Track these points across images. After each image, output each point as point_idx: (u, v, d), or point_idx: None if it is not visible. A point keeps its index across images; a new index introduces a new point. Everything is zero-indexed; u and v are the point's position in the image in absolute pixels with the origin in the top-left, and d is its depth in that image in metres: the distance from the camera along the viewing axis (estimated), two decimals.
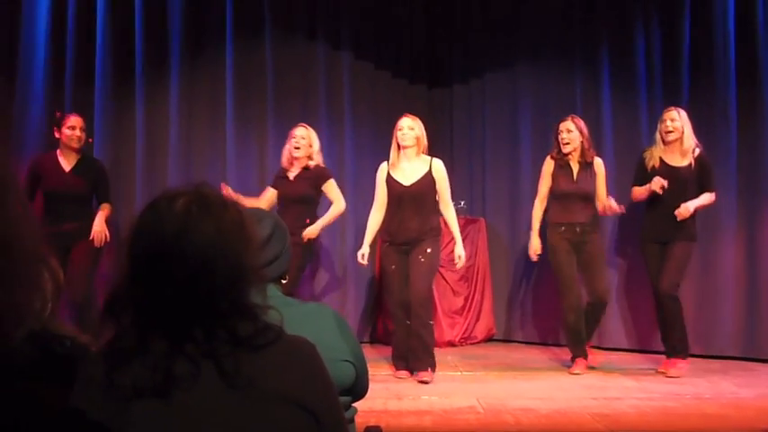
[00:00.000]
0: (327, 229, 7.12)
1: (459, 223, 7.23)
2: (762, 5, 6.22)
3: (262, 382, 1.31)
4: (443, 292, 7.14)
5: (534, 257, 5.89)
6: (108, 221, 5.56)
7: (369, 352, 6.01)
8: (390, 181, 5.49)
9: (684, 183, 5.54)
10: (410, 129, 5.46)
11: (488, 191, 7.61)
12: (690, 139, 5.56)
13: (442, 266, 7.07)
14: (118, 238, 5.61)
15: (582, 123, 5.76)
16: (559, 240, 5.65)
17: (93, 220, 5.50)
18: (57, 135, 5.60)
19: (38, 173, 5.51)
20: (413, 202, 5.40)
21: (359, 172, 7.04)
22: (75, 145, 5.54)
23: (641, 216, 5.82)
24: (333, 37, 7.35)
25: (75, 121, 5.58)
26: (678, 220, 5.47)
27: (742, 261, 6.25)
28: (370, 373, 2.13)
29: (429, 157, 5.52)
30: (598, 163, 5.77)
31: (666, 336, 5.64)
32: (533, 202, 5.95)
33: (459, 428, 4.20)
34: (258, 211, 2.23)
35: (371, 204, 5.70)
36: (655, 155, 5.61)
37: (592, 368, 5.72)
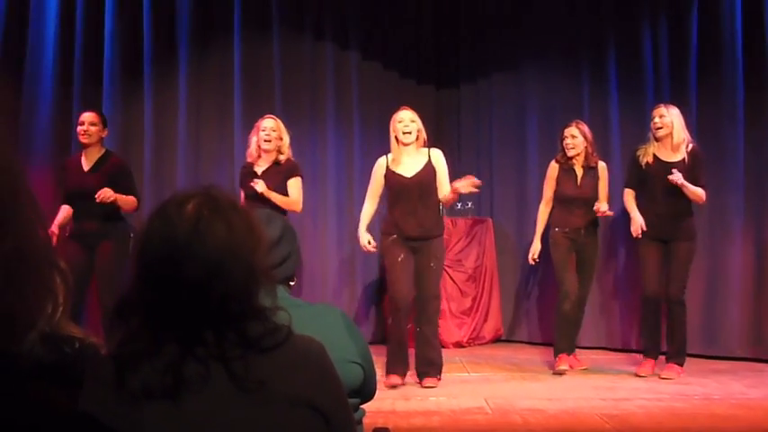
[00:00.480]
0: (336, 230, 7.16)
1: (466, 224, 7.30)
2: None
3: (271, 384, 1.31)
4: (451, 293, 7.15)
5: (532, 261, 5.97)
6: (126, 210, 5.43)
7: (377, 353, 6.00)
8: (391, 175, 5.32)
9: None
10: (412, 121, 5.29)
11: (496, 191, 7.61)
12: (680, 134, 5.51)
13: (449, 266, 7.10)
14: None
15: (586, 129, 5.80)
16: (562, 238, 5.77)
17: (117, 219, 5.45)
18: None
19: (64, 174, 5.55)
20: (417, 194, 5.25)
21: (367, 172, 7.02)
22: (85, 141, 5.46)
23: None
24: (341, 37, 7.37)
25: (84, 116, 5.51)
26: (671, 180, 5.38)
27: (750, 262, 6.24)
28: (378, 374, 2.13)
29: (426, 149, 5.38)
30: (602, 167, 5.84)
31: (671, 341, 5.54)
32: (540, 203, 5.99)
33: (468, 429, 4.20)
34: (267, 212, 2.23)
35: None
36: (648, 151, 5.59)
37: (601, 372, 5.71)
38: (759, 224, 6.23)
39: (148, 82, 6.80)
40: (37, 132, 6.45)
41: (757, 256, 6.22)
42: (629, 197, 5.67)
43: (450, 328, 7.08)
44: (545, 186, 5.95)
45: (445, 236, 7.07)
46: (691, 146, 5.56)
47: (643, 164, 5.58)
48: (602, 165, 5.85)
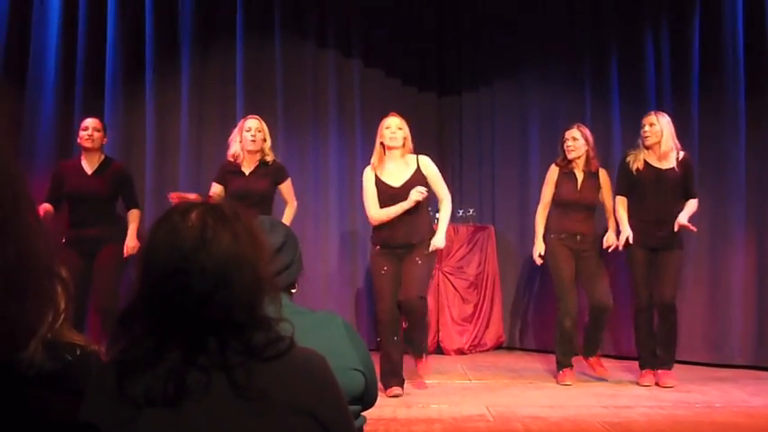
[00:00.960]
0: (338, 236, 7.17)
1: (468, 231, 7.30)
2: None
3: (272, 393, 1.31)
4: (452, 300, 7.15)
5: (538, 261, 5.78)
6: (139, 232, 5.48)
7: (378, 360, 6.00)
8: (379, 184, 5.23)
9: (670, 186, 5.47)
10: (399, 129, 5.22)
11: (497, 198, 7.61)
12: (668, 142, 5.47)
13: (451, 274, 7.11)
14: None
15: (588, 132, 5.74)
16: (559, 246, 5.63)
17: (116, 223, 5.49)
18: (78, 140, 5.59)
19: (61, 177, 5.51)
20: None
21: None
22: (88, 145, 5.48)
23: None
24: (343, 43, 7.39)
25: (87, 122, 5.56)
26: (675, 230, 5.40)
27: (752, 269, 6.23)
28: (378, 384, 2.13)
29: (414, 156, 5.30)
30: (603, 174, 5.75)
31: (664, 347, 5.49)
32: (538, 206, 5.88)
33: None
34: (270, 219, 2.23)
35: None
36: (639, 157, 5.53)
37: (602, 380, 5.64)
38: (761, 231, 6.23)
39: (150, 86, 6.81)
40: (39, 137, 6.48)
41: (759, 263, 6.21)
42: (622, 206, 5.57)
43: (451, 335, 7.08)
44: (544, 189, 5.83)
45: (447, 242, 7.09)
46: (681, 154, 5.53)
47: (634, 170, 5.52)
48: (602, 172, 5.77)
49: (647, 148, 5.52)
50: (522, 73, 7.44)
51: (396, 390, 5.08)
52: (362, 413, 2.09)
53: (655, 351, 5.52)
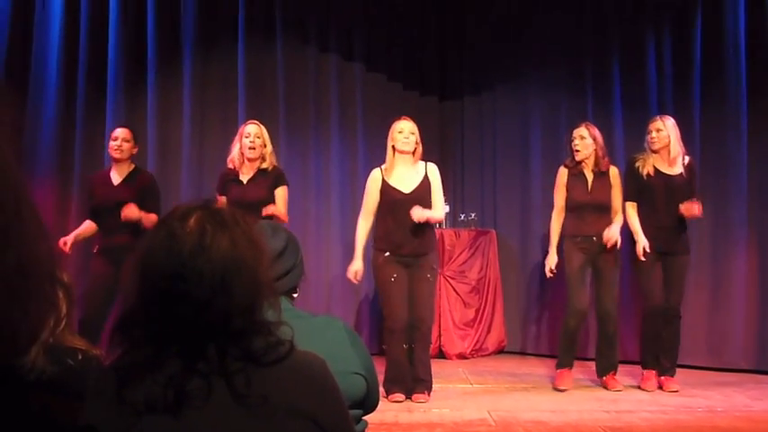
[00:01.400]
0: (339, 240, 7.17)
1: (470, 235, 7.30)
2: None
3: (272, 398, 1.31)
4: (454, 304, 7.15)
5: (549, 274, 5.63)
6: (148, 227, 5.22)
7: (380, 365, 5.99)
8: (387, 189, 5.18)
9: (679, 191, 5.42)
10: (411, 133, 5.19)
11: (499, 202, 7.62)
12: (676, 147, 5.43)
13: (452, 278, 7.11)
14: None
15: (596, 131, 5.60)
16: (575, 251, 5.49)
17: (143, 233, 5.35)
18: (108, 150, 5.58)
19: (90, 190, 5.55)
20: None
21: None
22: (117, 156, 5.46)
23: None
24: (345, 48, 7.40)
25: (118, 132, 5.54)
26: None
27: (754, 273, 6.22)
28: (380, 390, 2.13)
29: (423, 162, 5.29)
30: (614, 173, 5.59)
31: (668, 353, 5.47)
32: (544, 214, 5.87)
33: None
34: (272, 223, 2.23)
35: None
36: (648, 162, 5.47)
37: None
38: (763, 235, 6.22)
39: (152, 89, 6.82)
40: (40, 139, 6.49)
41: (761, 267, 6.20)
42: (632, 212, 5.48)
43: (453, 340, 7.08)
44: (555, 194, 5.67)
45: (448, 247, 7.11)
46: (687, 159, 5.51)
47: (644, 175, 5.45)
48: (614, 170, 5.59)
49: (654, 152, 5.47)
50: (524, 78, 7.45)
51: (398, 396, 5.05)
52: (364, 417, 2.09)
53: (659, 355, 5.47)
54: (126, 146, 5.49)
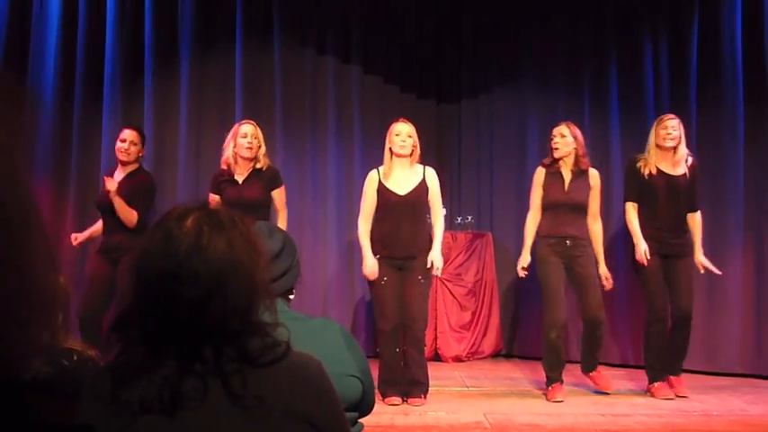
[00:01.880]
0: (336, 242, 7.17)
1: (466, 238, 7.30)
2: None
3: (268, 399, 1.31)
4: (450, 307, 7.14)
5: (521, 273, 5.55)
6: (123, 219, 5.26)
7: (376, 367, 5.98)
8: (383, 191, 5.16)
9: (683, 192, 5.36)
10: (409, 136, 5.17)
11: (496, 205, 7.61)
12: (684, 148, 5.38)
13: (448, 280, 7.10)
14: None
15: (577, 130, 5.49)
16: (548, 253, 5.35)
17: (140, 233, 5.25)
18: (115, 149, 5.54)
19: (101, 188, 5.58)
20: (408, 213, 5.14)
21: None
22: (123, 158, 5.45)
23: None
24: (342, 50, 7.39)
25: (125, 134, 5.50)
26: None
27: (750, 277, 6.23)
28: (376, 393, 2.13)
29: (421, 166, 5.27)
30: (593, 174, 5.47)
31: (676, 357, 5.37)
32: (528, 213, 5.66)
33: None
34: (268, 224, 2.23)
35: None
36: (649, 162, 5.37)
37: (603, 393, 5.42)
38: (759, 238, 6.23)
39: (149, 91, 6.82)
40: (37, 139, 6.48)
41: (757, 271, 6.21)
42: (633, 214, 5.41)
43: (449, 343, 7.08)
44: (532, 193, 5.56)
45: (445, 250, 7.09)
46: (690, 160, 5.44)
47: (645, 175, 5.35)
48: (593, 172, 5.47)
49: (663, 150, 5.35)
50: (521, 81, 7.45)
51: (394, 399, 5.05)
52: (359, 420, 2.09)
53: (666, 363, 5.36)
54: (133, 149, 5.48)
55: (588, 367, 5.51)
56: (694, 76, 6.50)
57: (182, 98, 6.91)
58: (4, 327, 0.93)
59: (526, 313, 7.35)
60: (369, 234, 5.23)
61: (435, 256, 5.13)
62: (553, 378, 5.34)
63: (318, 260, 7.07)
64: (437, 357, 7.00)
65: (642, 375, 5.75)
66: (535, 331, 7.24)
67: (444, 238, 7.16)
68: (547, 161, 5.53)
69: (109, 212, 5.33)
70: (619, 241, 6.57)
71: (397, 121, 5.31)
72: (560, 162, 5.45)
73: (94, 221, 5.69)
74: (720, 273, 5.50)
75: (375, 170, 5.30)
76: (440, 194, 5.32)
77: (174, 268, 1.32)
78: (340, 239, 7.17)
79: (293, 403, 1.34)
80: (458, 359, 7.05)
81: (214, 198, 5.24)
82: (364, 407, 2.06)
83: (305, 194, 7.04)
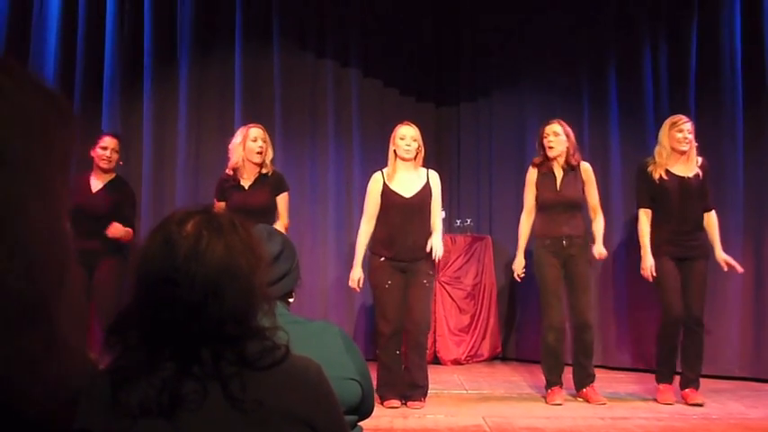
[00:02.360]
0: (335, 245, 7.16)
1: (465, 241, 7.30)
2: None
3: (268, 402, 1.31)
4: (450, 310, 7.14)
5: (517, 278, 5.56)
6: (127, 242, 5.36)
7: (375, 371, 5.97)
8: (388, 193, 5.16)
9: (695, 193, 5.27)
10: (413, 140, 5.16)
11: (495, 208, 7.62)
12: (694, 149, 5.31)
13: (447, 283, 7.10)
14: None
15: (568, 127, 5.42)
16: (545, 255, 5.30)
17: (115, 239, 5.32)
18: (91, 154, 5.49)
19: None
20: (414, 215, 5.13)
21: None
22: (104, 165, 5.44)
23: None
24: (342, 53, 7.41)
25: (107, 141, 5.49)
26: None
27: (749, 280, 6.21)
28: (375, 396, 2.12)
29: (425, 169, 5.27)
30: (585, 168, 5.40)
31: (692, 364, 5.26)
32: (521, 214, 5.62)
33: None
34: (268, 227, 2.22)
35: None
36: (660, 165, 5.27)
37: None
38: (758, 242, 6.22)
39: (148, 94, 6.84)
40: None
41: (756, 274, 6.20)
42: (645, 222, 5.31)
43: (448, 346, 7.08)
44: (525, 194, 5.50)
45: (444, 252, 7.09)
46: (700, 160, 5.35)
47: (656, 178, 5.26)
48: (585, 165, 5.39)
49: (678, 153, 5.25)
50: (520, 84, 7.46)
51: (393, 402, 5.04)
52: (359, 423, 2.09)
53: (675, 366, 5.29)
54: (115, 156, 5.50)
55: (580, 384, 5.33)
56: (693, 77, 6.50)
57: (181, 100, 6.92)
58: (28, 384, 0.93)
59: (525, 316, 7.35)
60: (368, 239, 5.23)
61: (436, 243, 5.09)
62: (552, 381, 5.31)
63: (318, 263, 7.07)
64: (436, 360, 7.00)
65: (641, 379, 5.78)
66: (534, 334, 7.24)
67: (443, 241, 7.17)
68: (537, 160, 5.46)
69: (84, 219, 5.10)
70: (617, 239, 6.57)
71: (401, 124, 5.29)
72: (552, 161, 5.39)
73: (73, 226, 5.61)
74: (742, 270, 5.43)
75: (379, 171, 5.29)
76: (440, 199, 5.33)
77: (171, 272, 1.33)
78: (339, 242, 7.17)
79: (293, 406, 1.34)
80: (457, 362, 7.05)
81: (219, 205, 5.17)
82: (364, 410, 2.06)
83: (304, 197, 7.04)
